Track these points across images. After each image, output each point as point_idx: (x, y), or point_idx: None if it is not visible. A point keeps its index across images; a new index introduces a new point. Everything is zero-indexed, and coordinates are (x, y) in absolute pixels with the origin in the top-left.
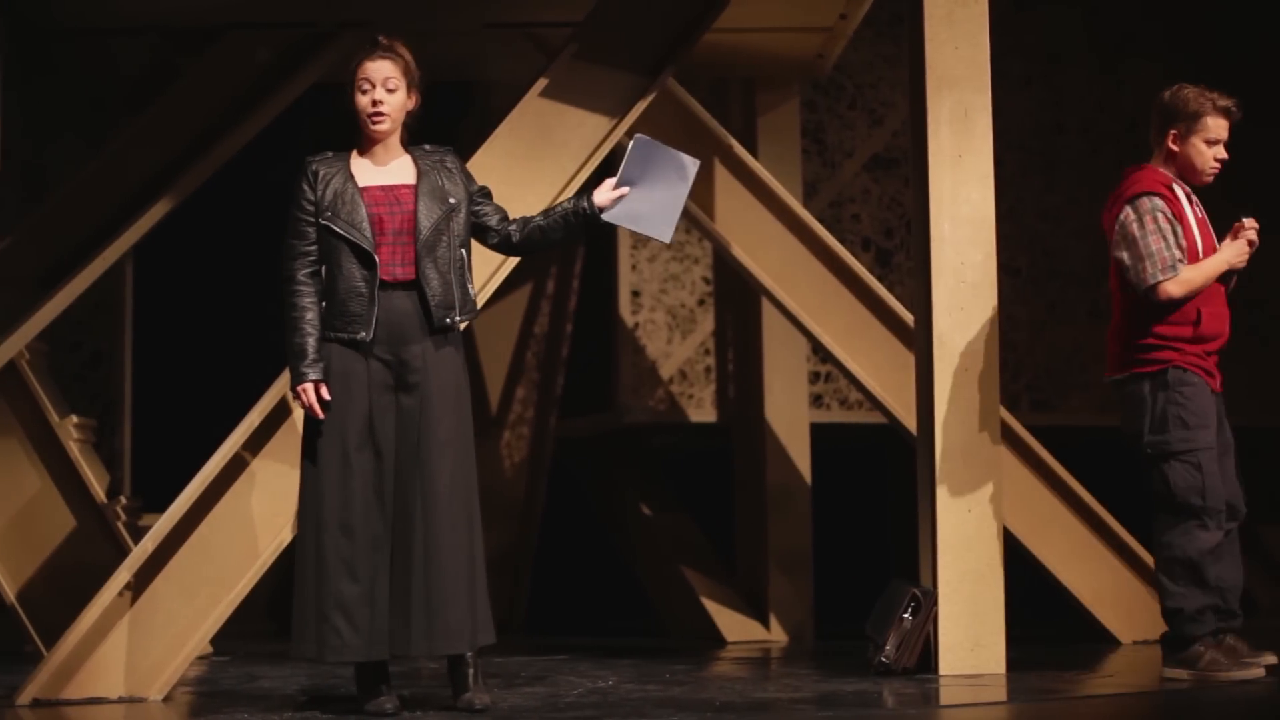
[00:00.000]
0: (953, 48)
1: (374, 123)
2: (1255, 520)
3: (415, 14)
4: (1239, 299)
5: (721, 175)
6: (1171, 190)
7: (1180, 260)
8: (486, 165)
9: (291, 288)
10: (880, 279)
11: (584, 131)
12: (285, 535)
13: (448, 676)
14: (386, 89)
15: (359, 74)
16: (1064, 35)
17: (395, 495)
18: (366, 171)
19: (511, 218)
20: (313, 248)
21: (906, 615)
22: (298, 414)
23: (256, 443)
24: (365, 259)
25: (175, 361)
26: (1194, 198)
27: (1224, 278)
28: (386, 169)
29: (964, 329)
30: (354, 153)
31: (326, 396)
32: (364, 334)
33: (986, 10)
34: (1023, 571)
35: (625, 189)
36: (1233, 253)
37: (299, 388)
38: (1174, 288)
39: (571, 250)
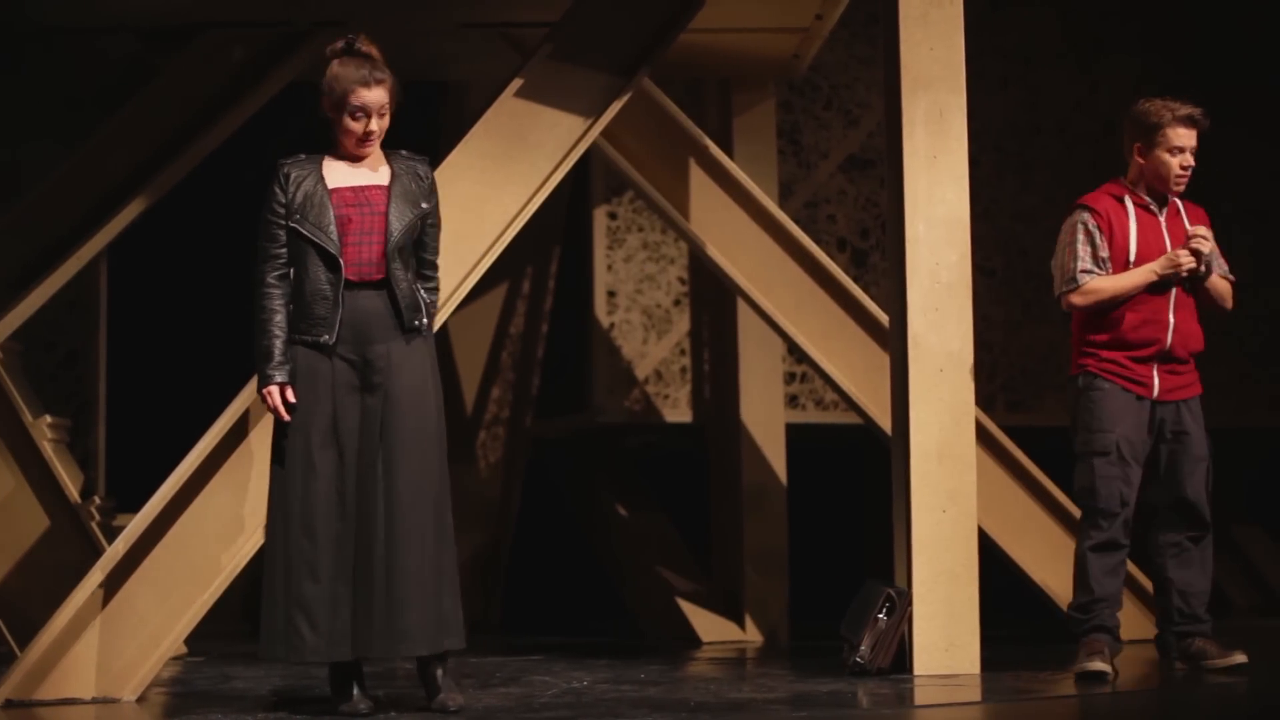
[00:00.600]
0: (928, 49)
1: (364, 147)
2: (1229, 521)
3: (391, 13)
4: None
5: (697, 176)
6: (1119, 201)
7: (1091, 272)
8: (461, 165)
9: (261, 290)
10: (856, 280)
11: (559, 132)
12: (259, 536)
13: (418, 678)
14: (379, 115)
15: (352, 100)
16: (1041, 36)
17: (357, 496)
18: (339, 172)
19: (434, 274)
20: (283, 250)
21: (881, 615)
22: (269, 415)
23: (230, 443)
24: (330, 262)
25: (150, 361)
26: (1162, 207)
27: (1182, 285)
28: (359, 170)
29: (939, 329)
30: (327, 155)
31: (292, 399)
32: (327, 337)
33: (961, 11)
34: (997, 571)
35: None
36: (1161, 264)
37: (265, 390)
38: (1076, 299)
39: (547, 250)
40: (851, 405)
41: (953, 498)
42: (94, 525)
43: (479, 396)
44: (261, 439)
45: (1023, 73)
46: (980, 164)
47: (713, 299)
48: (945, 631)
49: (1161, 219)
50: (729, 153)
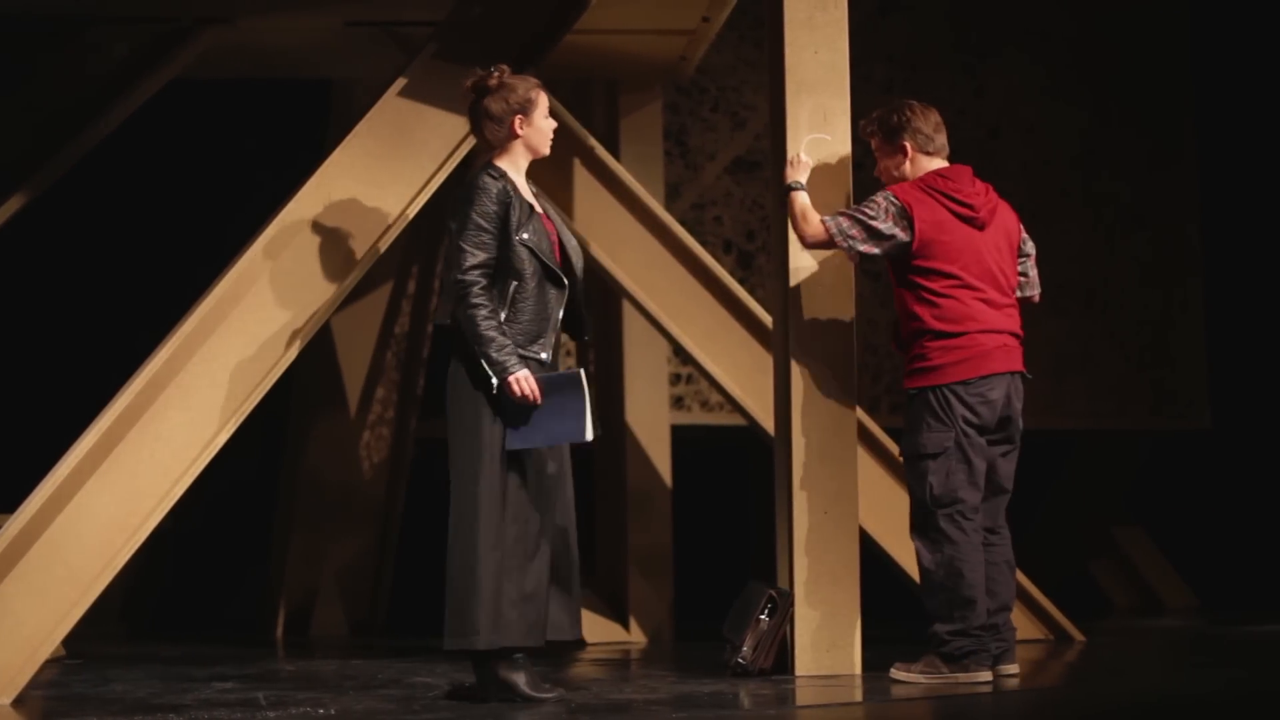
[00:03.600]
0: (812, 52)
1: (548, 146)
2: (1110, 522)
3: (277, 11)
4: (1115, 303)
5: (582, 176)
6: None
7: None
8: (345, 164)
9: (478, 293)
10: (742, 281)
11: (444, 131)
12: (139, 535)
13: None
14: None
15: (542, 103)
16: (927, 41)
17: (554, 495)
18: (526, 195)
19: None
20: (493, 260)
21: (763, 616)
22: (152, 414)
23: (109, 443)
24: (558, 282)
25: (28, 360)
26: None
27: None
28: (529, 197)
29: (822, 332)
30: (507, 171)
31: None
32: (546, 355)
33: (846, 16)
34: (879, 572)
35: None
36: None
37: (517, 377)
38: None
39: (432, 250)
40: (736, 407)
41: (835, 499)
42: None
43: (363, 396)
44: (141, 438)
45: (908, 76)
46: (865, 167)
47: (598, 300)
48: (827, 632)
49: None
50: (615, 154)
